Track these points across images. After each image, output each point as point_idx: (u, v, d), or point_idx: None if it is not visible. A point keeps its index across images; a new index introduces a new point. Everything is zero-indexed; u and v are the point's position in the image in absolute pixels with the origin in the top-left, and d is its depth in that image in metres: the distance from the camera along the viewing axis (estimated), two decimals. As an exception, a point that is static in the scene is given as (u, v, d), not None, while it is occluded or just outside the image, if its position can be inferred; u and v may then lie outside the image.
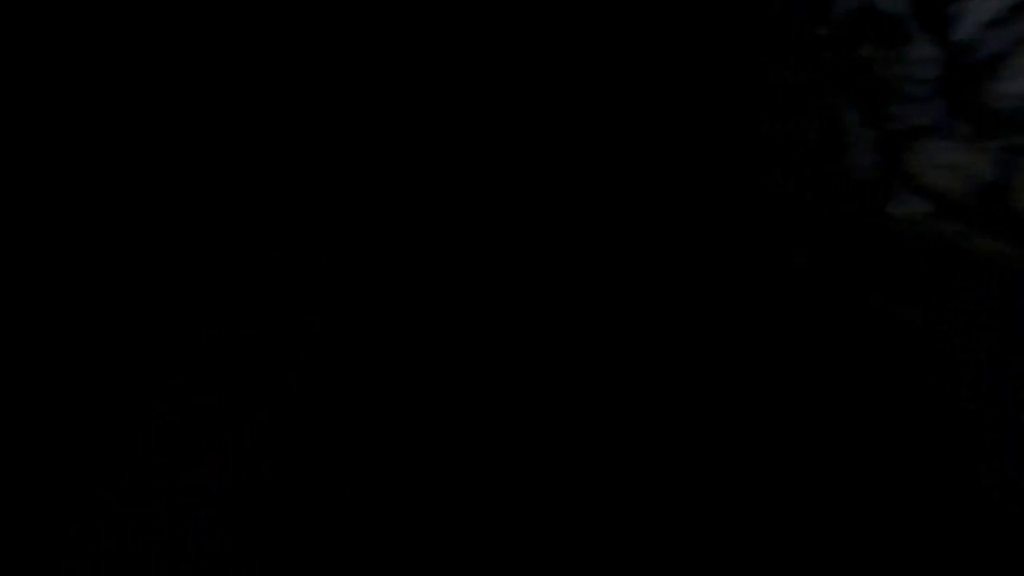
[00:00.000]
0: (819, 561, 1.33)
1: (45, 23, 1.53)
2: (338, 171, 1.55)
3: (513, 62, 1.57)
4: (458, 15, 1.54)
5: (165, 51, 1.55)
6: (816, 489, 1.41)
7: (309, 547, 1.38)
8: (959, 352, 1.42)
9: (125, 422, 1.43)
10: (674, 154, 1.56)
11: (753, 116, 1.53)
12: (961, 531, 1.35)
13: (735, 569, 1.34)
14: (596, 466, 1.45)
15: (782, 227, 1.51)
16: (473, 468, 1.43)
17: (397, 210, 1.54)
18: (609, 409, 1.49)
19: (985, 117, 1.23)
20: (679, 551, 1.36)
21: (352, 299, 1.51)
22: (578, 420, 1.48)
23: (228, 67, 1.55)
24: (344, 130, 1.57)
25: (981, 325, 1.39)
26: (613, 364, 1.52)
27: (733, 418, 1.51)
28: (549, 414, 1.47)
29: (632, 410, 1.50)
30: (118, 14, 1.54)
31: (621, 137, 1.57)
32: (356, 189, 1.54)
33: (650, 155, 1.57)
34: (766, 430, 1.49)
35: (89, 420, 1.43)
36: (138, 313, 1.49)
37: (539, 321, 1.53)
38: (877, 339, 1.46)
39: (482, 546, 1.37)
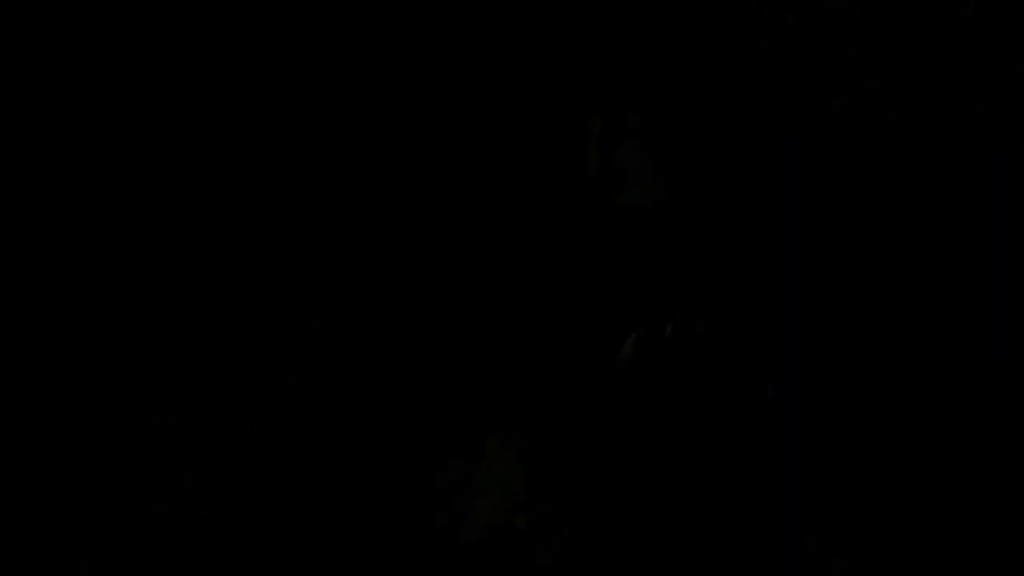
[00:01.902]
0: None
1: (45, 23, 1.53)
2: (338, 171, 1.55)
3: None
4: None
5: (165, 51, 1.55)
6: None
7: (309, 547, 1.38)
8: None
9: (125, 422, 1.43)
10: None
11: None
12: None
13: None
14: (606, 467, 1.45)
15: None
16: (474, 468, 1.43)
17: (397, 210, 1.54)
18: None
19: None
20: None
21: (352, 299, 1.51)
22: (578, 421, 1.48)
23: (228, 67, 1.55)
24: (344, 130, 1.57)
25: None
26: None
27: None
28: (552, 414, 1.47)
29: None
30: (118, 14, 1.54)
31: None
32: (356, 189, 1.54)
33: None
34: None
35: (89, 420, 1.43)
36: (138, 313, 1.49)
37: (540, 323, 1.53)
38: None
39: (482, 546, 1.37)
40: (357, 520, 1.40)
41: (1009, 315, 1.44)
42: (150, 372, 1.46)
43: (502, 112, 1.56)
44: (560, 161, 1.55)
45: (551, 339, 1.51)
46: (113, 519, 1.37)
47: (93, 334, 1.47)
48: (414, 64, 1.56)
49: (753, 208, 1.52)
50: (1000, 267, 1.45)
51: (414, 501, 1.41)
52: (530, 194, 1.55)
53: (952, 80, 1.51)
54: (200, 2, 1.54)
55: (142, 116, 1.54)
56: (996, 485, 1.37)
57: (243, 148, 1.54)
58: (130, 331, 1.48)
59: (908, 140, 1.51)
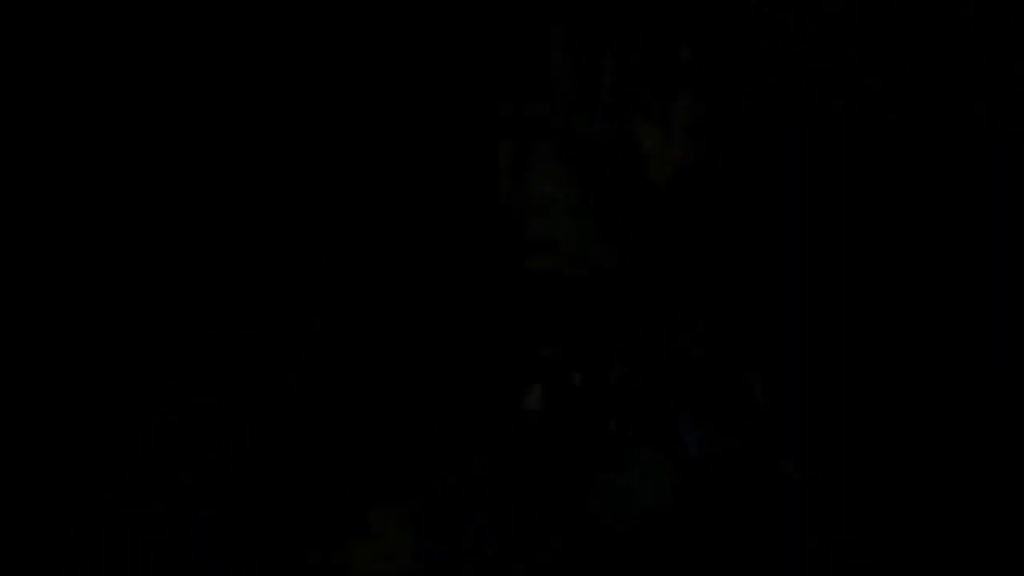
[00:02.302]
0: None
1: (45, 23, 1.53)
2: (338, 171, 1.55)
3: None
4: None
5: (165, 50, 1.55)
6: None
7: (309, 547, 1.38)
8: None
9: (125, 422, 1.43)
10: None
11: None
12: None
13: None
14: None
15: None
16: (474, 469, 1.43)
17: (397, 210, 1.54)
18: None
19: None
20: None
21: (352, 299, 1.51)
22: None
23: (227, 66, 1.55)
24: (344, 130, 1.57)
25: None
26: None
27: None
28: (445, 474, 1.43)
29: None
30: (118, 14, 1.54)
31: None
32: (357, 189, 1.54)
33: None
34: None
35: (89, 420, 1.43)
36: (138, 313, 1.49)
37: (431, 373, 1.48)
38: None
39: (484, 547, 1.37)
40: (357, 520, 1.40)
41: (1009, 314, 1.44)
42: (150, 372, 1.46)
43: (413, 139, 1.50)
44: (471, 191, 1.47)
45: (443, 390, 1.43)
46: (113, 519, 1.37)
47: (94, 335, 1.47)
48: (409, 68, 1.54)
49: (753, 207, 1.52)
50: (1000, 266, 1.45)
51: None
52: (435, 232, 1.46)
53: (952, 80, 1.51)
54: (200, 5, 1.54)
55: (142, 117, 1.54)
56: (996, 485, 1.37)
57: (243, 150, 1.55)
58: (130, 331, 1.48)
59: (908, 140, 1.51)
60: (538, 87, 1.48)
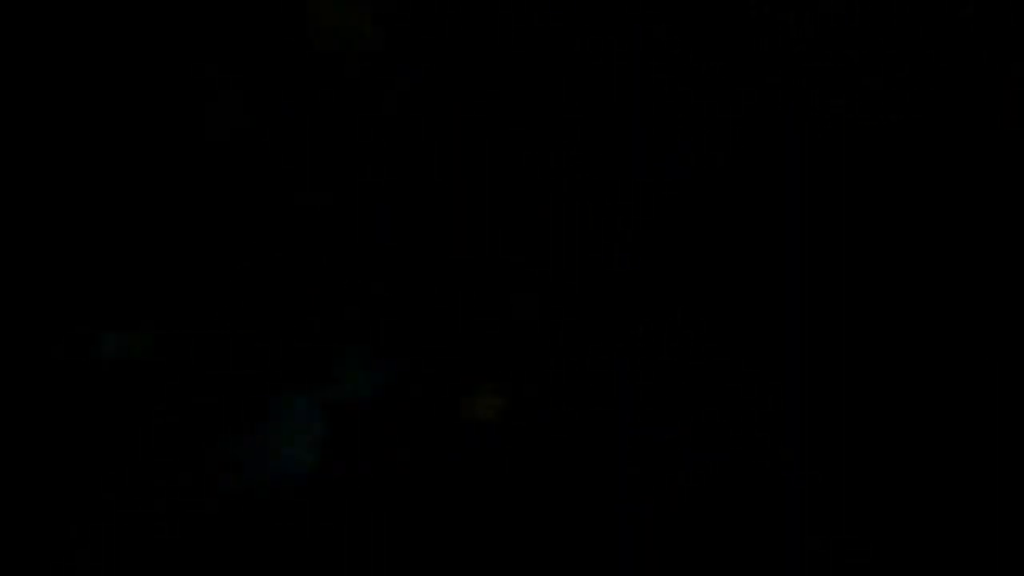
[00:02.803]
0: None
1: (44, 23, 1.53)
2: (338, 170, 1.55)
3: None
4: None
5: (162, 49, 1.55)
6: None
7: (309, 548, 1.38)
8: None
9: (125, 422, 1.43)
10: None
11: None
12: None
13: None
14: None
15: None
16: (475, 467, 1.43)
17: (398, 209, 1.54)
18: None
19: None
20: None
21: (352, 299, 1.51)
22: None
23: (227, 65, 1.55)
24: (345, 129, 1.57)
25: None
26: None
27: None
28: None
29: None
30: (115, 14, 1.54)
31: None
32: (356, 188, 1.54)
33: None
34: None
35: (90, 419, 1.43)
36: (138, 313, 1.49)
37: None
38: None
39: (484, 548, 1.37)
40: (358, 520, 1.40)
41: (1009, 314, 1.44)
42: (150, 372, 1.46)
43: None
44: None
45: None
46: (113, 519, 1.37)
47: (94, 335, 1.47)
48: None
49: (754, 208, 1.52)
50: (1000, 266, 1.45)
51: None
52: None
53: (952, 80, 1.51)
54: (197, 5, 1.54)
55: (141, 116, 1.54)
56: (996, 484, 1.37)
57: (242, 149, 1.55)
58: (130, 331, 1.48)
59: (908, 140, 1.51)
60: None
